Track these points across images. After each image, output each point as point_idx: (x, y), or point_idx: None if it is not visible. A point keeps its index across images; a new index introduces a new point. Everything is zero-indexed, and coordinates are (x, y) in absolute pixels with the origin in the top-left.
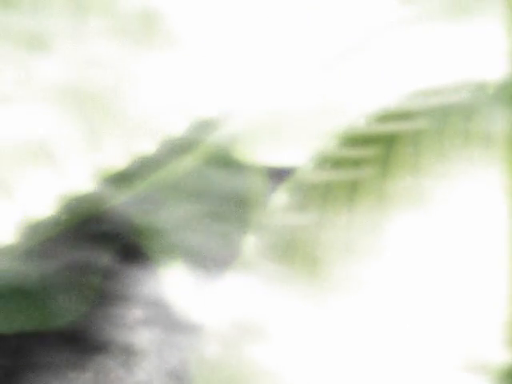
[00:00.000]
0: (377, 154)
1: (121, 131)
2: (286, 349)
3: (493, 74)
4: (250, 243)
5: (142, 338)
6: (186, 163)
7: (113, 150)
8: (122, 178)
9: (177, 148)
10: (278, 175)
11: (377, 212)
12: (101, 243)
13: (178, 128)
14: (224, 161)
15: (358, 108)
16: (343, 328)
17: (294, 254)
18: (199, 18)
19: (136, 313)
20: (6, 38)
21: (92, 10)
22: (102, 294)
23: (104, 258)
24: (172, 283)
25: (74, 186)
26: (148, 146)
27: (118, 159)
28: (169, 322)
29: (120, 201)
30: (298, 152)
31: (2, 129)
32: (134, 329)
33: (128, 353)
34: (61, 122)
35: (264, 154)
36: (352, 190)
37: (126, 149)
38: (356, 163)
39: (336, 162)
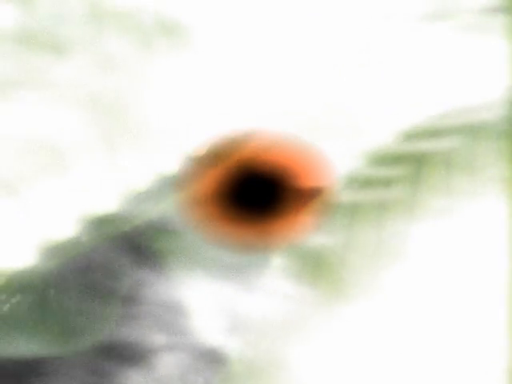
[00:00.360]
0: (407, 173)
1: (142, 146)
2: (311, 373)
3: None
4: (276, 263)
5: (166, 362)
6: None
7: (136, 168)
8: (145, 198)
9: (200, 166)
10: (306, 195)
11: (406, 233)
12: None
13: (201, 144)
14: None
15: (388, 126)
16: (368, 349)
17: (320, 275)
18: (219, 28)
19: (159, 337)
20: (26, 42)
21: (111, 18)
22: (124, 317)
23: (126, 271)
24: (196, 303)
25: (96, 206)
26: (172, 164)
27: (141, 178)
28: (192, 346)
29: (143, 220)
30: (325, 172)
31: (20, 134)
32: (157, 353)
33: (151, 377)
34: (80, 132)
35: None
36: (381, 210)
37: (149, 167)
38: (385, 183)
39: (365, 182)
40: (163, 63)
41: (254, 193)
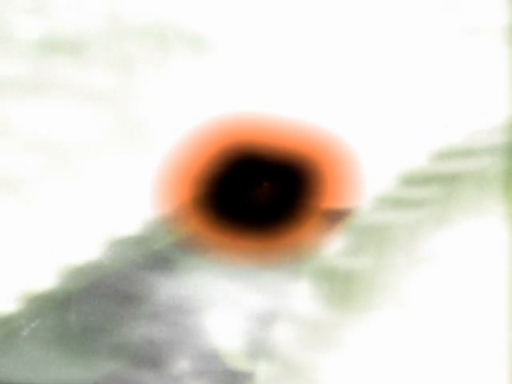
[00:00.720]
0: (438, 193)
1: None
2: None
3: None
4: (302, 289)
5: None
6: None
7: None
8: (169, 222)
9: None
10: (335, 216)
11: (437, 255)
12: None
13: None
14: None
15: (419, 146)
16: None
17: (349, 301)
18: (240, 39)
19: (183, 362)
20: (46, 49)
21: (131, 27)
22: (146, 343)
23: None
24: (221, 329)
25: (118, 229)
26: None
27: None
28: (217, 371)
29: (168, 243)
30: (354, 192)
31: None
32: (182, 380)
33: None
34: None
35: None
36: (411, 231)
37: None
38: (416, 204)
39: (395, 203)
40: (181, 70)
41: (263, 199)
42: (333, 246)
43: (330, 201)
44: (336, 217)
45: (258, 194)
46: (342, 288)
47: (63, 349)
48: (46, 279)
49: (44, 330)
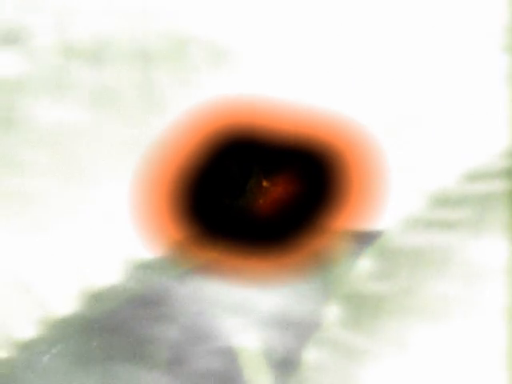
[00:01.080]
0: (469, 215)
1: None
2: None
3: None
4: (332, 313)
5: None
6: None
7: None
8: (191, 244)
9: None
10: (364, 239)
11: (472, 278)
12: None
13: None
14: None
15: (447, 167)
16: None
17: (381, 325)
18: (268, 53)
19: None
20: (67, 55)
21: (155, 38)
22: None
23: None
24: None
25: (138, 253)
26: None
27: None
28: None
29: (191, 266)
30: (384, 213)
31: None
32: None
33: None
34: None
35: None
36: (444, 255)
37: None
38: (448, 225)
39: (426, 225)
40: (204, 83)
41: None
42: (363, 269)
43: (354, 221)
44: (364, 238)
45: (258, 194)
46: (372, 312)
47: (85, 374)
48: (67, 304)
49: (66, 355)
